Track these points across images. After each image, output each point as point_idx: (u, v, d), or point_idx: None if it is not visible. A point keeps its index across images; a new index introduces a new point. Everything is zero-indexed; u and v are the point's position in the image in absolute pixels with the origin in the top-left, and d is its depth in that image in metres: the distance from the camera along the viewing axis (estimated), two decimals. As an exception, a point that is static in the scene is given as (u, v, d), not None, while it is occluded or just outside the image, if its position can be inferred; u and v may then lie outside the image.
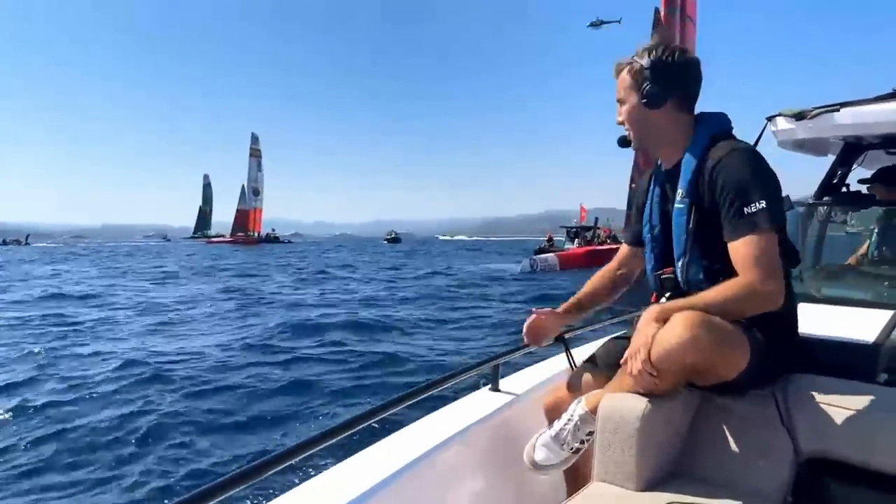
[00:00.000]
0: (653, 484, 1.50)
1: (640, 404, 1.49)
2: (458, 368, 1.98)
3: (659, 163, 1.80)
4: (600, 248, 32.32)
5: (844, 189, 3.26)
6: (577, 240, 37.23)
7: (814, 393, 1.63)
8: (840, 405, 1.59)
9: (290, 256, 47.36)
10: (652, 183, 1.81)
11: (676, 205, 1.65)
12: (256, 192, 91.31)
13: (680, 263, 1.66)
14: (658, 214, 1.76)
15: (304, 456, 1.33)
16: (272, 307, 14.29)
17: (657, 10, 8.27)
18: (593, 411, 1.59)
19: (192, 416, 5.77)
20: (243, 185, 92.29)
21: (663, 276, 1.72)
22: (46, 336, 10.27)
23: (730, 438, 1.62)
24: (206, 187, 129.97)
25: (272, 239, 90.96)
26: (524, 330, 1.94)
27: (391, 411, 1.63)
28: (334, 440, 1.42)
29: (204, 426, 5.51)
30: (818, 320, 2.04)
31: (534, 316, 1.93)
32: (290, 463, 1.30)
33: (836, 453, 1.53)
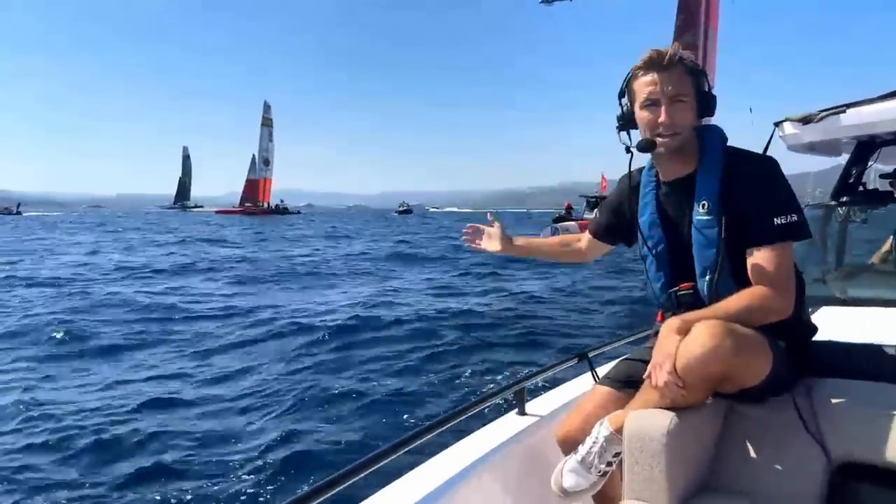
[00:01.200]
0: (684, 499, 1.52)
1: (665, 420, 1.49)
2: (483, 394, 2.02)
3: (653, 174, 1.76)
4: None
5: (861, 188, 3.25)
6: (596, 209, 36.99)
7: (841, 397, 1.65)
8: (868, 408, 1.59)
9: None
10: (642, 199, 1.78)
11: (700, 217, 1.62)
12: (267, 162, 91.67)
13: (707, 278, 1.63)
14: (661, 230, 1.73)
15: (333, 492, 1.37)
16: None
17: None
18: (618, 431, 1.59)
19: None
20: (254, 155, 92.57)
21: (680, 293, 1.70)
22: None
23: (758, 448, 1.64)
24: (186, 159, 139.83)
25: (281, 210, 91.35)
26: (469, 228, 2.14)
27: (418, 442, 1.66)
28: (361, 475, 1.46)
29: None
30: (842, 322, 2.07)
31: (487, 227, 2.11)
32: (319, 500, 1.33)
33: (868, 457, 1.54)
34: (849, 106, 2.68)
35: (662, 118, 1.60)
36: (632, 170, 1.80)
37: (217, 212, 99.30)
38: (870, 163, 3.18)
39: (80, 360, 7.85)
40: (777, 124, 2.86)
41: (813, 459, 1.57)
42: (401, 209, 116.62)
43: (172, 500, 4.23)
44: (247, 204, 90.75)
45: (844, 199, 3.22)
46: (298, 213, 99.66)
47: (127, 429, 5.41)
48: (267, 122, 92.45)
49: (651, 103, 1.61)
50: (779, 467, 1.60)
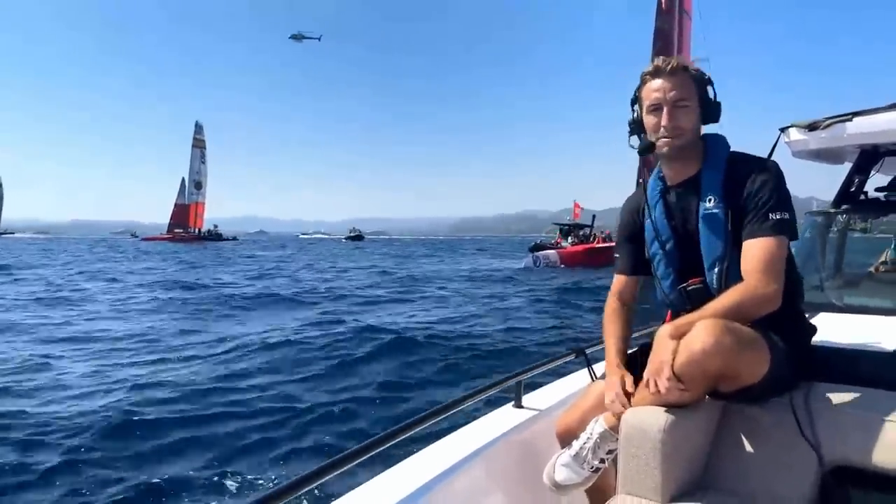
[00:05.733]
0: (677, 496, 1.63)
1: (662, 417, 1.61)
2: (481, 385, 2.13)
3: (659, 178, 1.94)
4: (598, 246, 34.90)
5: (863, 196, 3.44)
6: (570, 237, 39.23)
7: (837, 402, 1.78)
8: (863, 413, 1.71)
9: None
10: (650, 201, 1.95)
11: (708, 211, 1.81)
12: (199, 186, 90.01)
13: (716, 270, 1.80)
14: (668, 228, 1.90)
15: (324, 480, 1.45)
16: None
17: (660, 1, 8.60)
18: (613, 429, 1.72)
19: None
20: (183, 178, 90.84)
21: (690, 288, 1.85)
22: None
23: (753, 448, 1.76)
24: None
25: (214, 236, 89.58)
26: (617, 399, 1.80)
27: (416, 430, 1.77)
28: (357, 461, 1.55)
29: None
30: (840, 329, 2.21)
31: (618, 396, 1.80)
32: (311, 487, 1.41)
33: (861, 462, 1.65)
34: (855, 114, 2.89)
35: (665, 121, 1.81)
36: (636, 186, 1.95)
37: (143, 239, 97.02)
38: (872, 172, 3.39)
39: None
40: (783, 130, 3.05)
41: (806, 461, 1.69)
42: (351, 235, 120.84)
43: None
44: (176, 230, 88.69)
45: (845, 206, 3.43)
46: (235, 239, 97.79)
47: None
48: (199, 144, 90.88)
49: (656, 108, 1.83)
50: (772, 468, 1.72)
